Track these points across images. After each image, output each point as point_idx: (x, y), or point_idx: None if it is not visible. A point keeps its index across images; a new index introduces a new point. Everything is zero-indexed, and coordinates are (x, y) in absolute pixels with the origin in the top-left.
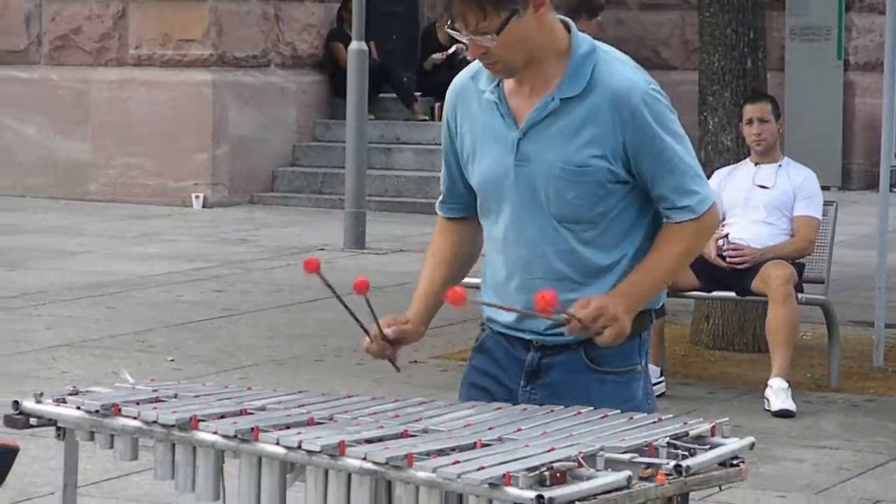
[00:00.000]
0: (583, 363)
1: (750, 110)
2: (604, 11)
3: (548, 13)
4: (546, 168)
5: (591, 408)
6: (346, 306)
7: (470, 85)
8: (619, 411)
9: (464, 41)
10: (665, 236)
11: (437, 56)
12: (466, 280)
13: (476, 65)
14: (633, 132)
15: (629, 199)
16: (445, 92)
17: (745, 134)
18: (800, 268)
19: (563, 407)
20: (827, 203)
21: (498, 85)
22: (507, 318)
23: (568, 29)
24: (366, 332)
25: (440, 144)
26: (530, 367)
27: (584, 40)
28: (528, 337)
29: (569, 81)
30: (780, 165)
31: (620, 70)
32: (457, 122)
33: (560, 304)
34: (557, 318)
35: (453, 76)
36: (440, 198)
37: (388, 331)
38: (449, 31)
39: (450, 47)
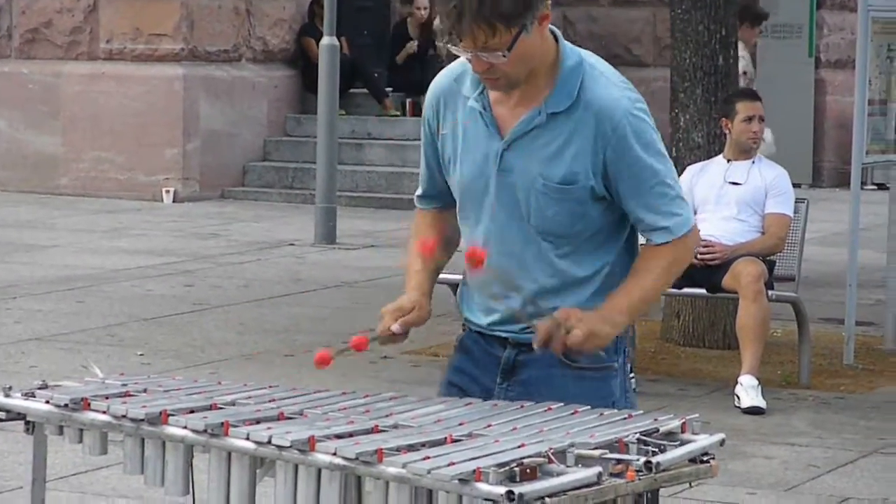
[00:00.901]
0: (557, 360)
1: (751, 107)
2: (574, 8)
3: (546, 25)
4: (529, 181)
5: (562, 404)
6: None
7: (453, 87)
8: (589, 407)
9: (466, 57)
10: (644, 258)
11: (410, 45)
12: (443, 276)
13: (457, 67)
14: (614, 150)
15: (608, 214)
16: (416, 87)
17: (741, 131)
18: (770, 265)
19: (533, 403)
20: (798, 200)
21: (482, 92)
22: (484, 321)
23: (555, 38)
24: (374, 340)
25: (411, 140)
26: (506, 364)
27: (571, 52)
28: (504, 334)
29: (556, 96)
30: (752, 162)
31: (606, 86)
32: (438, 123)
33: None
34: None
35: (424, 73)
36: (418, 191)
37: (395, 327)
38: (450, 47)
39: (420, 42)
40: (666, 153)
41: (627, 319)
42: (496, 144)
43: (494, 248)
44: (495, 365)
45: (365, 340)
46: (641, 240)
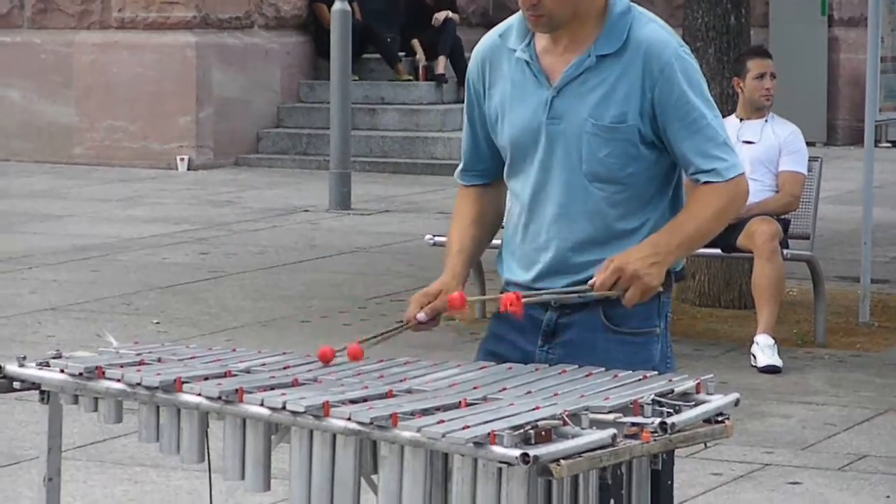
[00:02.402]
0: (601, 323)
1: (762, 65)
2: None
3: None
4: (579, 125)
5: (581, 367)
6: (390, 332)
7: (499, 43)
8: (603, 369)
9: None
10: (695, 197)
11: (440, 15)
12: None
13: (504, 24)
14: (661, 89)
15: (658, 165)
16: (429, 51)
17: (753, 88)
18: (785, 224)
19: (575, 366)
20: (812, 159)
21: (529, 43)
22: (526, 277)
23: None
24: (397, 331)
25: (425, 104)
26: (548, 326)
27: (621, 1)
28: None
29: (605, 39)
30: (765, 121)
31: (655, 28)
32: (485, 84)
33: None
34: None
35: (437, 36)
36: (460, 166)
37: (420, 315)
38: None
39: (436, 9)
40: (712, 100)
41: (677, 259)
42: (545, 93)
43: (544, 198)
44: (536, 327)
45: (357, 349)
46: None
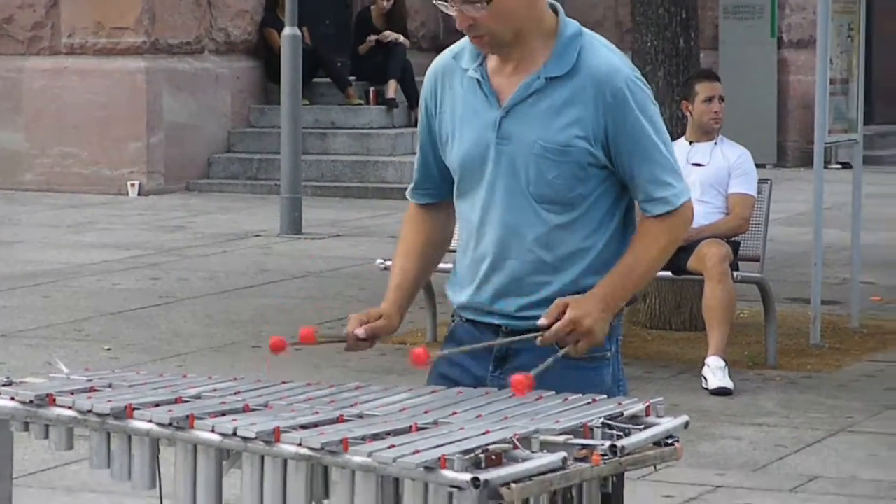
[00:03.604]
0: (551, 348)
1: (710, 88)
2: None
3: None
4: (527, 147)
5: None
6: (331, 341)
7: (452, 64)
8: (553, 392)
9: (451, 12)
10: (641, 234)
11: (371, 38)
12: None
13: (458, 45)
14: (614, 115)
15: (607, 185)
16: (379, 76)
17: (702, 111)
18: (735, 246)
19: (497, 390)
20: (762, 181)
21: (481, 63)
22: (478, 299)
23: (555, 11)
24: (343, 341)
25: (375, 128)
26: (499, 351)
27: (571, 24)
28: (497, 322)
29: (555, 61)
30: (715, 143)
31: (607, 54)
32: (436, 102)
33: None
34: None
35: (387, 60)
36: (412, 184)
37: (359, 331)
38: (437, 2)
39: (382, 31)
40: (664, 127)
41: (623, 304)
42: (494, 113)
43: (492, 219)
44: (488, 353)
45: (311, 332)
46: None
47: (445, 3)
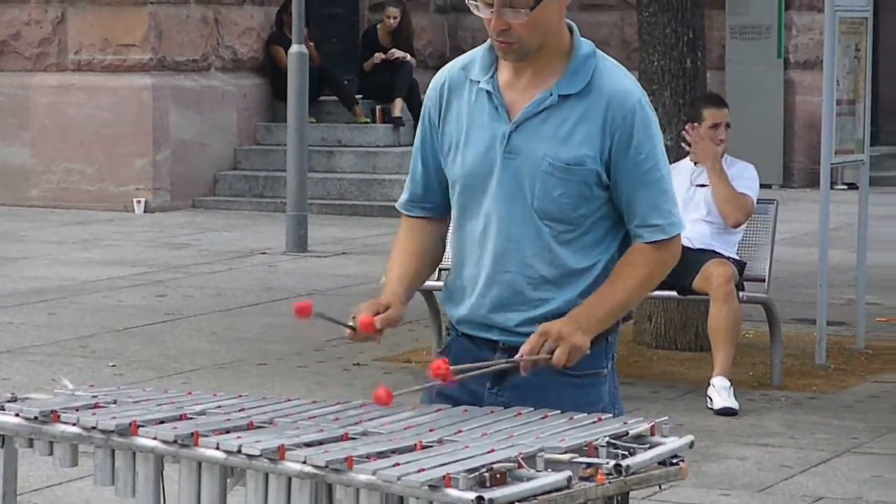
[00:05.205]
0: (546, 369)
1: (717, 115)
2: None
3: (565, 8)
4: (535, 163)
5: (535, 409)
6: (334, 321)
7: (461, 75)
8: (559, 412)
9: (481, 13)
10: (628, 261)
11: (378, 56)
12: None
13: (467, 56)
14: (620, 136)
15: (610, 206)
16: (385, 94)
17: (709, 137)
18: (741, 266)
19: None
20: (768, 201)
21: (493, 76)
22: (480, 311)
23: (570, 30)
24: (350, 328)
25: (381, 147)
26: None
27: (586, 44)
28: (495, 338)
29: (568, 79)
30: None
31: (620, 76)
32: (441, 113)
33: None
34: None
35: (394, 78)
36: (407, 197)
37: (376, 319)
38: (472, 6)
39: (389, 49)
40: (666, 157)
41: (603, 328)
42: (503, 127)
43: (494, 231)
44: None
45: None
46: None
47: (476, 3)
